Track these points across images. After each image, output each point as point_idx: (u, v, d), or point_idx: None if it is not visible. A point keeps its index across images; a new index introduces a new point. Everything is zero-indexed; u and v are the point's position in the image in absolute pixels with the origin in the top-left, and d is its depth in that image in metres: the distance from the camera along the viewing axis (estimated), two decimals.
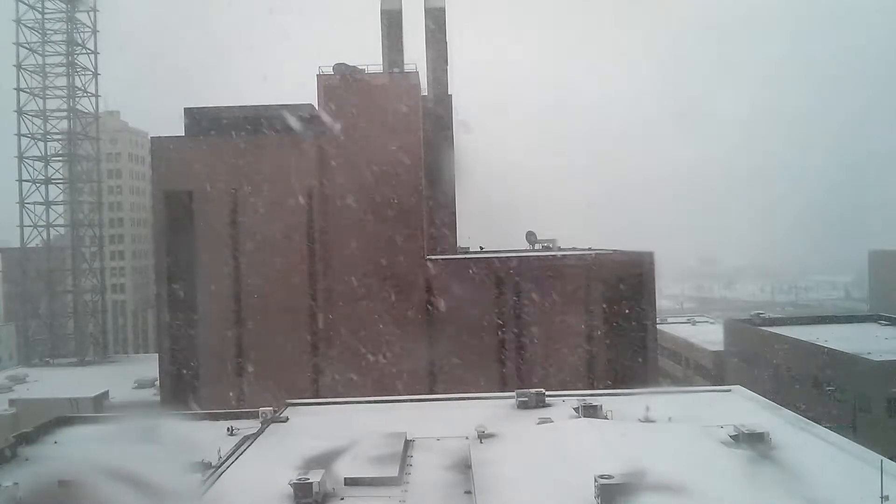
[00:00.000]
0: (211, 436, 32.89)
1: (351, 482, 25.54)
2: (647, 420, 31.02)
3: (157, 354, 57.76)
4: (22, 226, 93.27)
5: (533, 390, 35.82)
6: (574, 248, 65.47)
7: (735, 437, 27.59)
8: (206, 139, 55.63)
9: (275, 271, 54.43)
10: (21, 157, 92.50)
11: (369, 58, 61.18)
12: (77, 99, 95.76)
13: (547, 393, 35.84)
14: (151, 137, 59.31)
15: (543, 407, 34.56)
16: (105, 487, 25.00)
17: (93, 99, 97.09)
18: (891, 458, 24.02)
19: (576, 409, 32.55)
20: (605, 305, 54.63)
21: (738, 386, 39.35)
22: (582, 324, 54.35)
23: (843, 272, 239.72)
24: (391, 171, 54.85)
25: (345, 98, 55.13)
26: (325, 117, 55.19)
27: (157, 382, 59.15)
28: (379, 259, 54.47)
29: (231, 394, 53.08)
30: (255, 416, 35.34)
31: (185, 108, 56.83)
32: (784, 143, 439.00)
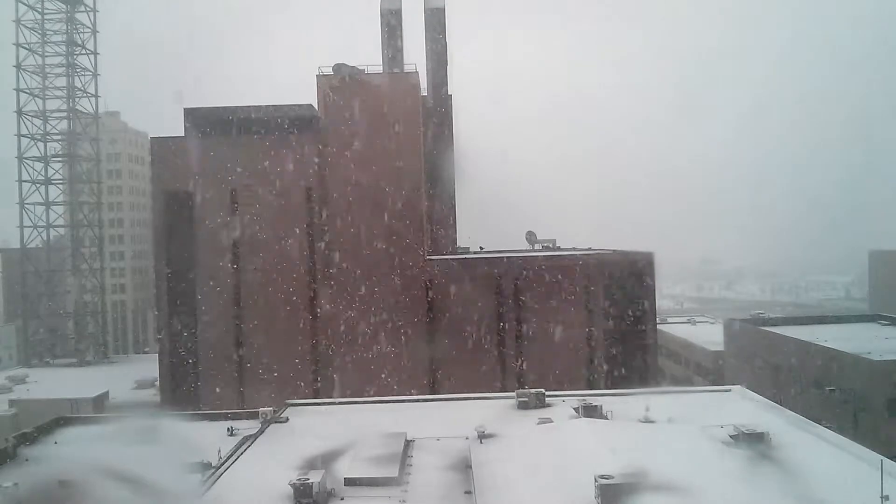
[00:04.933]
0: (211, 436, 32.86)
1: (351, 482, 25.52)
2: (647, 420, 31.01)
3: (157, 354, 57.77)
4: (22, 226, 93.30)
5: (533, 390, 35.80)
6: (574, 248, 65.50)
7: (735, 437, 27.57)
8: (206, 139, 55.63)
9: (275, 271, 54.47)
10: (21, 158, 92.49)
11: (369, 58, 61.27)
12: (77, 99, 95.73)
13: (547, 393, 35.83)
14: (151, 137, 59.33)
15: (543, 407, 34.56)
16: (105, 487, 24.98)
17: (93, 99, 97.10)
18: (891, 458, 24.01)
19: (576, 409, 32.55)
20: (605, 305, 54.65)
21: (739, 386, 39.34)
22: (582, 324, 54.36)
23: (843, 272, 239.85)
24: (391, 171, 54.86)
25: (345, 98, 55.13)
26: (325, 117, 55.21)
27: (157, 382, 59.16)
28: (379, 259, 54.48)
29: (231, 394, 53.10)
30: (255, 416, 35.34)
31: (185, 108, 56.83)
32: (784, 143, 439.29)
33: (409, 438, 30.22)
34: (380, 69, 59.26)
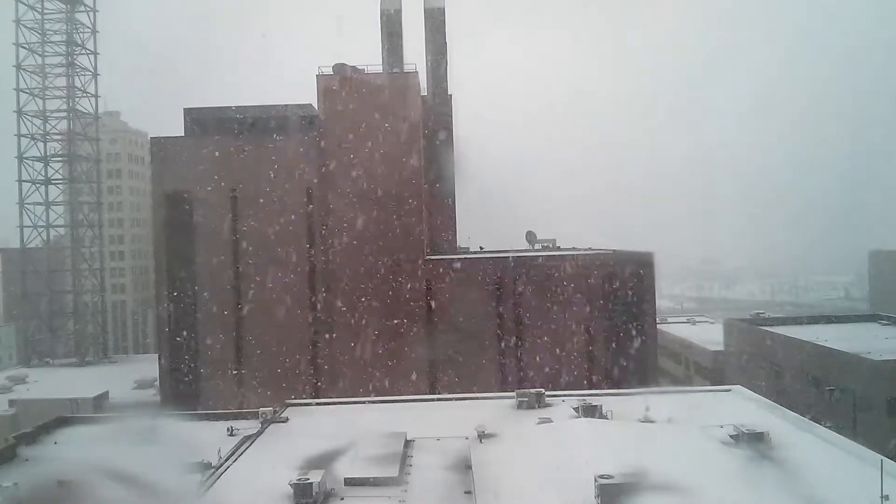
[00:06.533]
0: (211, 436, 32.86)
1: (351, 482, 25.53)
2: (647, 420, 31.02)
3: (157, 354, 57.77)
4: (22, 226, 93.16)
5: (533, 390, 35.81)
6: (574, 248, 65.49)
7: (735, 437, 27.59)
8: (206, 139, 55.65)
9: (274, 271, 54.44)
10: (21, 158, 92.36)
11: (369, 58, 61.20)
12: (77, 99, 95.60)
13: (547, 393, 35.84)
14: (151, 138, 59.28)
15: (543, 407, 34.56)
16: (105, 487, 24.98)
17: (92, 99, 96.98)
18: (891, 458, 24.02)
19: (576, 409, 32.55)
20: (604, 305, 54.64)
21: (738, 386, 39.36)
22: (582, 324, 54.36)
23: (843, 272, 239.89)
24: (391, 171, 54.84)
25: (344, 98, 55.11)
26: (325, 117, 55.21)
27: (157, 382, 59.14)
28: (379, 259, 54.46)
29: (231, 394, 53.10)
30: (255, 416, 35.36)
31: (185, 108, 56.88)
32: (784, 143, 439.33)
33: (409, 438, 30.21)
34: (380, 69, 59.23)
